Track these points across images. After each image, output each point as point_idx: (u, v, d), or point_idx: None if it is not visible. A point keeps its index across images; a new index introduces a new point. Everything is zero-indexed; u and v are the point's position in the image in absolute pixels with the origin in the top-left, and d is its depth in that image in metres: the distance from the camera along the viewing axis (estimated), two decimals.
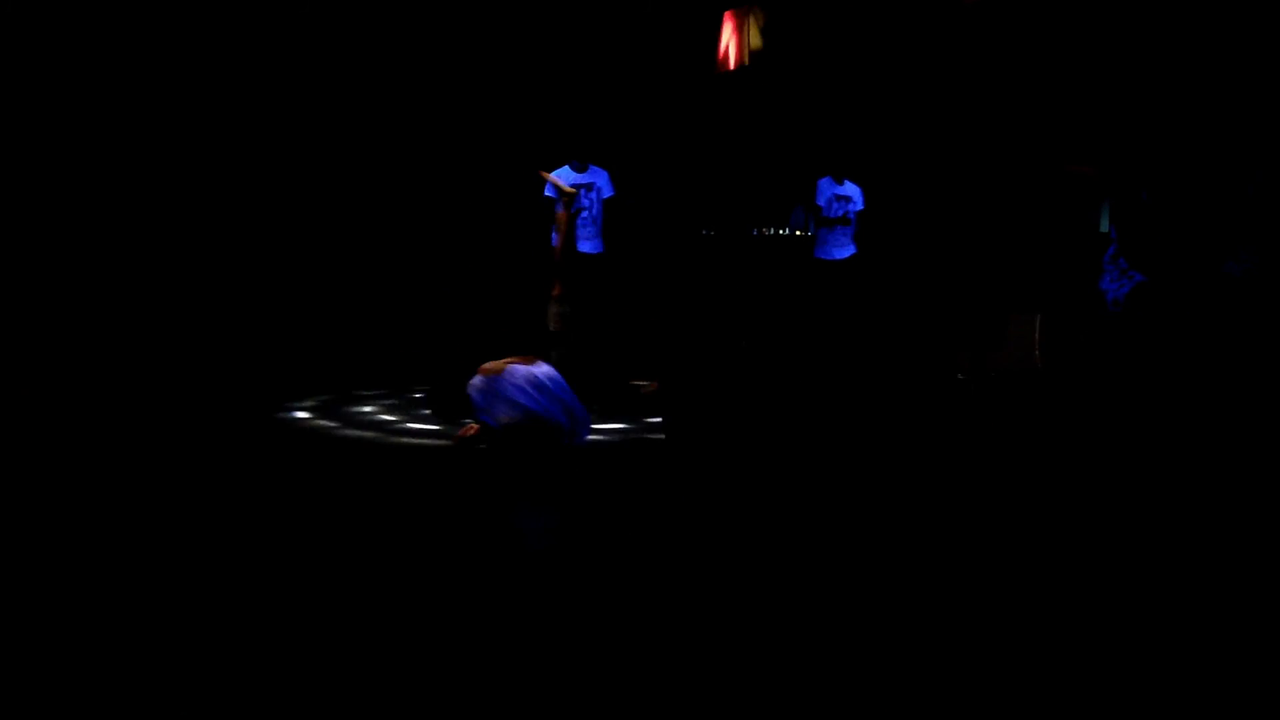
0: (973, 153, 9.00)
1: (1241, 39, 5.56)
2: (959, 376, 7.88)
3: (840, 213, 8.75)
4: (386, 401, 8.10)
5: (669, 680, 2.66)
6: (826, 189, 8.84)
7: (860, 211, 8.84)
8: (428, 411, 7.37)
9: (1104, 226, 8.60)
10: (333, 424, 6.92)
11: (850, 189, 8.83)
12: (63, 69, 9.31)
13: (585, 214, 8.03)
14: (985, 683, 2.67)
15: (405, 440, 6.35)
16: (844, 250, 8.79)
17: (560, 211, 7.75)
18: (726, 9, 10.21)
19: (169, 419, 6.98)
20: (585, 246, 8.06)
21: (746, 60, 10.07)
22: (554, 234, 7.97)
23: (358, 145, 10.39)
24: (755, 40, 10.03)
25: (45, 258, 9.26)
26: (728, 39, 10.23)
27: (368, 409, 7.63)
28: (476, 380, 5.85)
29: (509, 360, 5.89)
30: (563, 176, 8.02)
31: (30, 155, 9.26)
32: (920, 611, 3.20)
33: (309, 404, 7.85)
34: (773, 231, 10.57)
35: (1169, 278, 4.85)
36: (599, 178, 8.14)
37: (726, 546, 3.99)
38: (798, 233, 10.45)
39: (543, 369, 5.92)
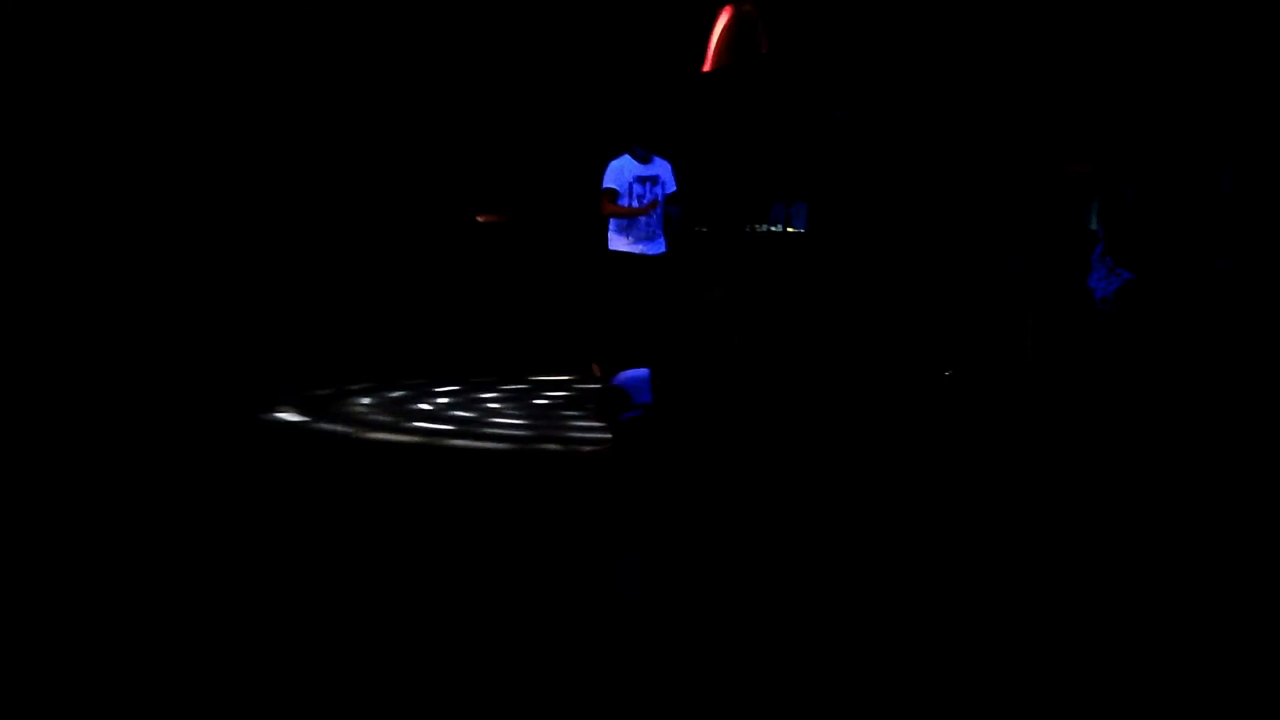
0: (966, 150, 9.01)
1: (1229, 37, 5.61)
2: (946, 373, 7.92)
3: None
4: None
5: (668, 679, 2.69)
6: None
7: None
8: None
9: (1092, 224, 8.64)
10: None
11: None
12: (59, 68, 9.28)
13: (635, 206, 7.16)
14: (977, 680, 2.71)
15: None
16: None
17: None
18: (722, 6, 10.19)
19: (202, 415, 6.86)
20: (644, 248, 7.30)
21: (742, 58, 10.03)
22: (611, 233, 7.23)
23: (385, 142, 10.31)
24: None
25: (43, 257, 9.22)
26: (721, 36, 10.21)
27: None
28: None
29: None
30: (625, 167, 7.26)
31: (23, 153, 9.22)
32: (912, 608, 3.24)
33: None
34: (764, 228, 10.52)
35: (1156, 275, 4.91)
36: (663, 170, 7.32)
37: (717, 545, 4.03)
38: (789, 229, 10.42)
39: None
